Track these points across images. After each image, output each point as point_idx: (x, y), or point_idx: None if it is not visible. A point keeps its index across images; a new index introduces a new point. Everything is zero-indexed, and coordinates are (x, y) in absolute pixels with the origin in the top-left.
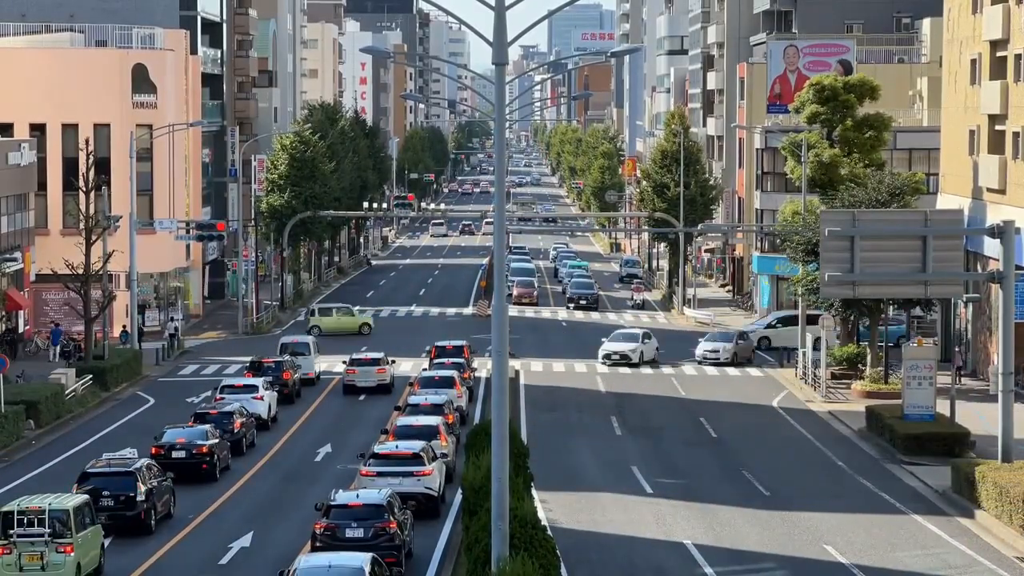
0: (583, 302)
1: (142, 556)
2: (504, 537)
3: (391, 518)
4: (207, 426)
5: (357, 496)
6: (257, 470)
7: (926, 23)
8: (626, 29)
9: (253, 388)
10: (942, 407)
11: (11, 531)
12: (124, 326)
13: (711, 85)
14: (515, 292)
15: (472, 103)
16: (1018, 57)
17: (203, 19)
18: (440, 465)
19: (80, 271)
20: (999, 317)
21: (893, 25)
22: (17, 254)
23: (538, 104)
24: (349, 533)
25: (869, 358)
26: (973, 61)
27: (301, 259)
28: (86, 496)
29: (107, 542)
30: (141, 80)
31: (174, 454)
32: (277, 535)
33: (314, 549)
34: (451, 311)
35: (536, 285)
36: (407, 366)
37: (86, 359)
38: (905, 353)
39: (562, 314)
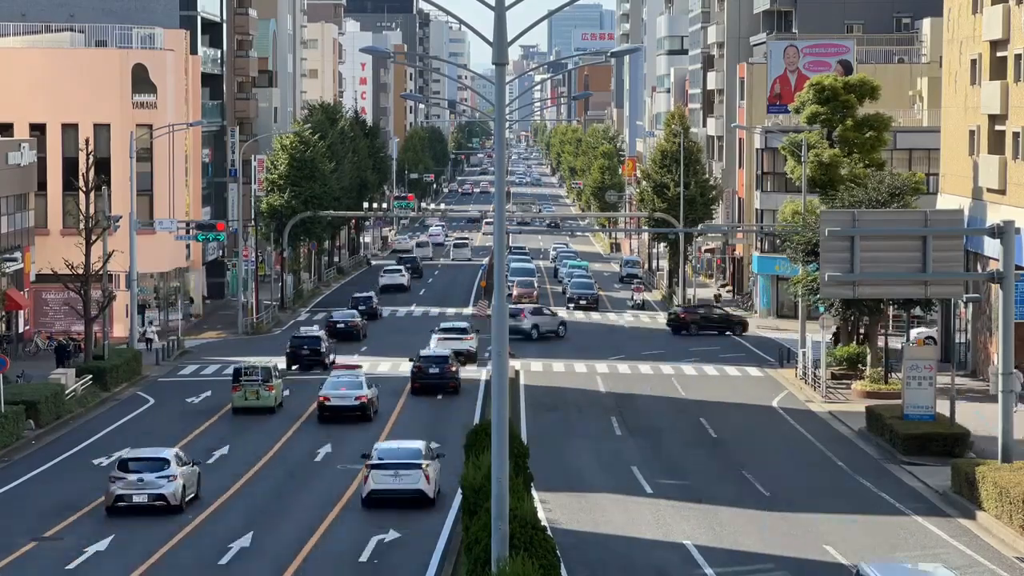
0: (583, 302)
1: (143, 555)
2: (504, 537)
3: (453, 364)
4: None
5: (434, 350)
6: (259, 468)
7: (926, 23)
8: (626, 29)
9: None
10: (942, 407)
11: (241, 378)
12: (143, 331)
13: (711, 85)
14: (515, 292)
15: (472, 103)
16: (1018, 57)
17: (203, 19)
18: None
19: (80, 271)
20: (999, 317)
21: (893, 25)
22: (17, 254)
23: (538, 104)
24: (432, 370)
25: (869, 358)
26: (973, 61)
27: (301, 259)
28: (276, 362)
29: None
30: (141, 80)
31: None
32: (277, 535)
33: (414, 388)
34: (451, 311)
35: (536, 285)
36: (407, 366)
37: (86, 359)
38: (905, 353)
39: (562, 314)
